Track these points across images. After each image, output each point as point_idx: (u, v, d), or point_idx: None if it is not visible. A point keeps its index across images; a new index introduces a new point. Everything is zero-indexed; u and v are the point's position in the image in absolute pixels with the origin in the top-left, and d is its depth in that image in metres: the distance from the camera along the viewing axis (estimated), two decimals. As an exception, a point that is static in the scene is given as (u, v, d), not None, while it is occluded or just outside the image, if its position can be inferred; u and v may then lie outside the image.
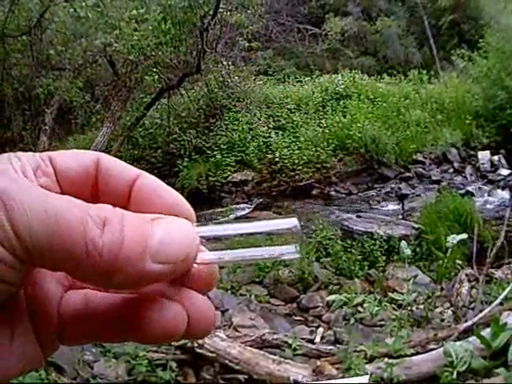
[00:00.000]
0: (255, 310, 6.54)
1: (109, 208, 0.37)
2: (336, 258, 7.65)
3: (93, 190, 0.42)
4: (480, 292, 6.10)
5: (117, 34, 9.81)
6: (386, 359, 4.26)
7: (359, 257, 7.66)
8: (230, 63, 13.51)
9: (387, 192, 12.08)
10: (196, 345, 4.61)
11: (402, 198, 11.53)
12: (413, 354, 4.42)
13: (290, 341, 4.91)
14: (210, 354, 4.60)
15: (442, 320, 6.03)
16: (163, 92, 12.20)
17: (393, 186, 12.26)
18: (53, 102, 11.42)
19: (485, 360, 4.02)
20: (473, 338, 4.32)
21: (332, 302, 5.45)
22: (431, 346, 4.71)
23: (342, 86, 14.98)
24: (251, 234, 0.41)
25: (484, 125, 13.98)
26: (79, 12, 10.01)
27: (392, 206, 11.28)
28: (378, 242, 7.76)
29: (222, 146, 12.78)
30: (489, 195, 11.28)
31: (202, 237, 0.40)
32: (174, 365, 4.53)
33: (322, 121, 13.57)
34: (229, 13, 12.41)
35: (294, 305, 6.98)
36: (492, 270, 6.82)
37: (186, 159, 12.54)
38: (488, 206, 10.60)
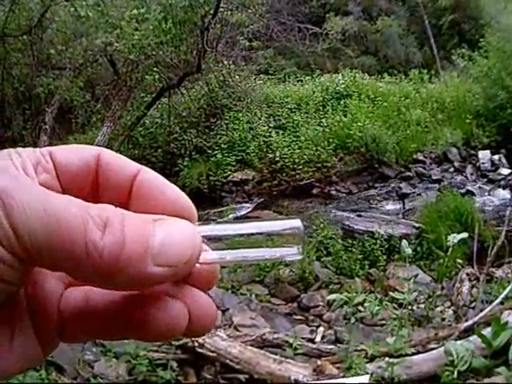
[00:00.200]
0: (256, 310, 6.55)
1: (110, 208, 0.37)
2: (337, 257, 7.65)
3: (93, 184, 0.42)
4: (481, 291, 6.11)
5: (117, 33, 9.81)
6: (386, 358, 4.26)
7: (360, 256, 7.67)
8: (230, 62, 13.49)
9: (388, 191, 12.07)
10: (197, 344, 4.62)
11: (402, 197, 11.53)
12: (413, 354, 4.42)
13: (290, 340, 4.91)
14: (211, 354, 4.61)
15: (443, 319, 6.03)
16: (164, 91, 12.20)
17: (393, 185, 12.26)
18: (53, 102, 11.42)
19: (486, 359, 4.02)
20: (474, 337, 4.32)
21: (333, 301, 5.44)
22: (432, 346, 4.71)
23: (343, 86, 14.97)
24: (253, 234, 0.40)
25: (484, 124, 13.97)
26: (80, 11, 9.99)
27: (392, 206, 11.28)
28: (378, 241, 7.77)
29: (222, 146, 12.78)
30: (489, 194, 11.28)
31: (203, 236, 0.40)
32: (174, 364, 4.53)
33: (323, 120, 13.57)
34: (229, 12, 12.41)
35: (295, 304, 6.99)
36: (493, 269, 6.83)
37: (186, 159, 12.54)
38: (488, 206, 10.60)
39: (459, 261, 7.03)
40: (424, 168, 12.93)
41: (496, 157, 12.95)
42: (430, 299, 6.34)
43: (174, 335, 0.40)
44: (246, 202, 11.88)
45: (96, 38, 10.07)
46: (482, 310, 5.21)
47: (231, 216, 10.43)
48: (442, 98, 15.17)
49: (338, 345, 5.19)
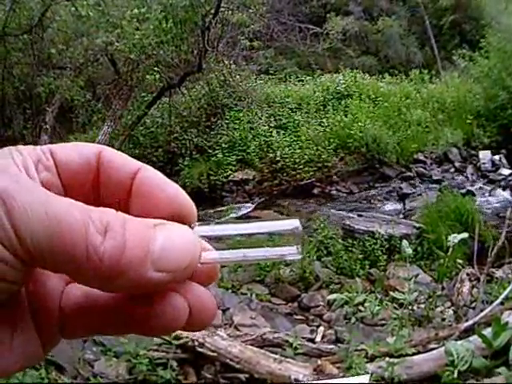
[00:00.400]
0: (256, 309, 6.55)
1: (111, 212, 0.37)
2: (337, 257, 7.65)
3: (94, 182, 0.42)
4: (481, 291, 6.10)
5: (118, 32, 9.81)
6: (386, 358, 4.26)
7: (360, 256, 7.66)
8: (231, 62, 13.52)
9: (388, 191, 12.07)
10: (197, 344, 4.62)
11: (403, 197, 11.53)
12: (414, 354, 4.42)
13: (290, 340, 4.90)
14: (211, 353, 4.60)
15: (443, 319, 6.03)
16: (164, 91, 12.20)
17: (394, 185, 12.26)
18: (54, 101, 11.42)
19: (486, 359, 4.02)
20: (474, 338, 4.32)
21: (333, 301, 5.45)
22: (432, 346, 4.70)
23: (344, 86, 14.97)
24: (253, 234, 0.41)
25: (485, 124, 13.98)
26: (80, 11, 10.00)
27: (393, 206, 11.28)
28: (379, 241, 7.77)
29: (223, 145, 12.79)
30: (490, 195, 11.28)
31: (203, 236, 0.40)
32: (174, 364, 4.53)
33: (324, 120, 13.57)
34: (230, 12, 12.42)
35: (295, 304, 6.99)
36: (493, 270, 6.83)
37: (187, 158, 12.56)
38: (489, 206, 10.59)
39: (459, 261, 7.02)
40: (425, 168, 12.93)
41: (496, 157, 12.96)
42: (431, 299, 6.33)
43: (174, 329, 0.40)
44: (246, 202, 11.88)
45: (97, 38, 10.07)
46: (482, 311, 5.20)
47: (232, 215, 10.43)
48: (442, 98, 15.18)
49: (339, 345, 5.19)
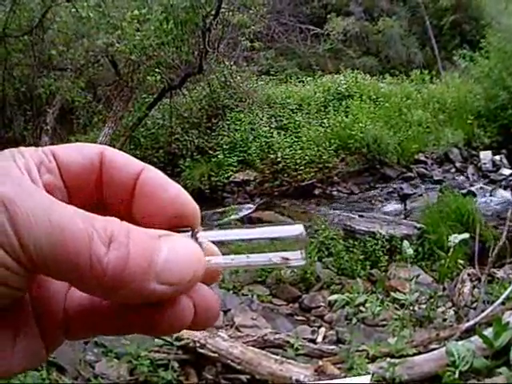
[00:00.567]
0: (257, 310, 6.55)
1: (115, 221, 0.37)
2: (338, 258, 7.65)
3: (97, 182, 0.42)
4: (482, 292, 6.10)
5: (119, 34, 9.81)
6: (388, 359, 4.26)
7: (361, 256, 7.67)
8: (232, 63, 13.51)
9: (389, 192, 12.06)
10: (198, 345, 4.62)
11: (403, 197, 11.52)
12: (415, 354, 4.42)
13: (292, 341, 4.90)
14: (212, 354, 4.60)
15: (444, 320, 6.03)
16: (165, 92, 12.20)
17: (395, 185, 12.24)
18: (54, 102, 11.42)
19: (487, 359, 4.02)
20: (475, 338, 4.31)
21: (334, 301, 5.45)
22: (433, 346, 4.70)
23: (344, 86, 14.96)
24: (257, 239, 0.41)
25: (486, 125, 13.96)
26: (81, 12, 9.99)
27: (394, 206, 11.27)
28: (380, 241, 7.77)
29: (224, 146, 12.78)
30: (490, 195, 11.27)
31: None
32: (175, 365, 4.53)
33: (324, 121, 13.55)
34: (231, 13, 12.41)
35: (296, 305, 6.99)
36: (494, 270, 6.82)
37: (188, 159, 12.55)
38: (490, 206, 10.58)
39: (460, 261, 7.02)
40: (425, 168, 12.92)
41: (497, 157, 12.94)
42: (432, 300, 6.33)
43: (180, 329, 0.40)
44: (247, 203, 11.87)
45: (97, 39, 10.06)
46: (483, 311, 5.20)
47: (233, 217, 10.42)
48: (443, 98, 15.15)
49: (340, 345, 5.19)
